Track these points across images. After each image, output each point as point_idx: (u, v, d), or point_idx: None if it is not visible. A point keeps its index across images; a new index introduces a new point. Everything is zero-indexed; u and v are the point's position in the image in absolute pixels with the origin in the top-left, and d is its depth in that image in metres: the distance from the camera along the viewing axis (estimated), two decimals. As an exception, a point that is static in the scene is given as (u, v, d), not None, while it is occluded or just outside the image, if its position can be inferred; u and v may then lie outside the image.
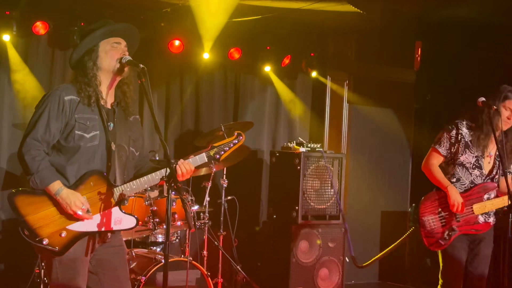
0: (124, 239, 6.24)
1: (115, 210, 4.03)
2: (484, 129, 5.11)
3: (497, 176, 5.21)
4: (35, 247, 3.90)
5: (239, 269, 6.45)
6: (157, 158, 6.57)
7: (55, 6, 6.77)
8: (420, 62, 8.64)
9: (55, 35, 6.96)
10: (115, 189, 3.99)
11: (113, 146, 4.03)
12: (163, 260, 5.41)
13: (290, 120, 8.50)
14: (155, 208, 5.82)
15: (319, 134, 8.58)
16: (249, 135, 8.02)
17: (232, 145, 4.19)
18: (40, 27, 6.68)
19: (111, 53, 4.01)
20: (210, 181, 6.29)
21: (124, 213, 4.05)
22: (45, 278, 5.80)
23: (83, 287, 3.98)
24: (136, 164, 4.22)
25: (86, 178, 3.94)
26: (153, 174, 4.05)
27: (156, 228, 5.83)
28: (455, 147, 5.17)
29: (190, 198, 6.13)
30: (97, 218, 3.97)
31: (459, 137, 5.16)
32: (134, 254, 5.70)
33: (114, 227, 4.02)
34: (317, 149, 7.44)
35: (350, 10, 7.04)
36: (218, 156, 4.13)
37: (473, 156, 5.15)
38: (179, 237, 6.32)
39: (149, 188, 5.20)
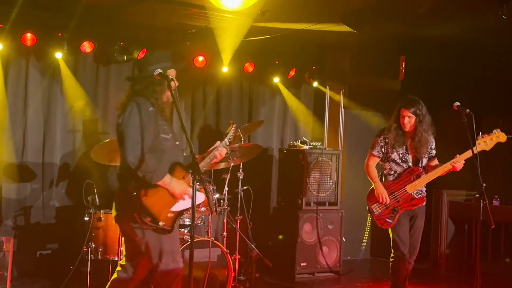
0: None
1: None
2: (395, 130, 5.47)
3: (424, 160, 5.50)
4: (131, 228, 4.15)
5: (253, 247, 6.41)
6: (184, 154, 6.55)
7: (99, 29, 6.77)
8: (404, 73, 8.57)
9: (99, 53, 6.95)
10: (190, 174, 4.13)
11: (177, 143, 4.35)
12: (189, 240, 5.39)
13: (295, 122, 8.48)
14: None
15: (319, 134, 8.55)
16: (261, 135, 8.06)
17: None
18: (86, 46, 6.67)
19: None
20: (229, 174, 6.25)
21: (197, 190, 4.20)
22: (91, 256, 5.80)
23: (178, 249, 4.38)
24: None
25: (173, 168, 4.21)
26: (212, 153, 4.59)
27: (184, 213, 5.80)
28: (385, 148, 5.54)
29: (212, 187, 6.11)
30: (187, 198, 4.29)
31: (387, 140, 5.51)
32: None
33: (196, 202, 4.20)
34: (318, 147, 7.41)
35: (345, 30, 6.99)
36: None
37: (399, 153, 5.47)
38: (203, 221, 6.30)
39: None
